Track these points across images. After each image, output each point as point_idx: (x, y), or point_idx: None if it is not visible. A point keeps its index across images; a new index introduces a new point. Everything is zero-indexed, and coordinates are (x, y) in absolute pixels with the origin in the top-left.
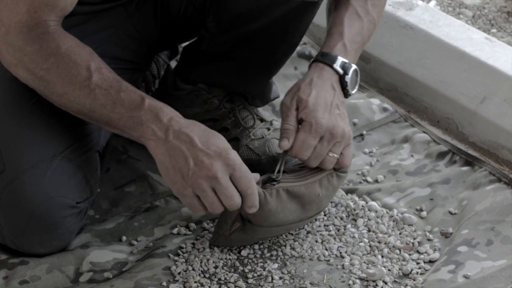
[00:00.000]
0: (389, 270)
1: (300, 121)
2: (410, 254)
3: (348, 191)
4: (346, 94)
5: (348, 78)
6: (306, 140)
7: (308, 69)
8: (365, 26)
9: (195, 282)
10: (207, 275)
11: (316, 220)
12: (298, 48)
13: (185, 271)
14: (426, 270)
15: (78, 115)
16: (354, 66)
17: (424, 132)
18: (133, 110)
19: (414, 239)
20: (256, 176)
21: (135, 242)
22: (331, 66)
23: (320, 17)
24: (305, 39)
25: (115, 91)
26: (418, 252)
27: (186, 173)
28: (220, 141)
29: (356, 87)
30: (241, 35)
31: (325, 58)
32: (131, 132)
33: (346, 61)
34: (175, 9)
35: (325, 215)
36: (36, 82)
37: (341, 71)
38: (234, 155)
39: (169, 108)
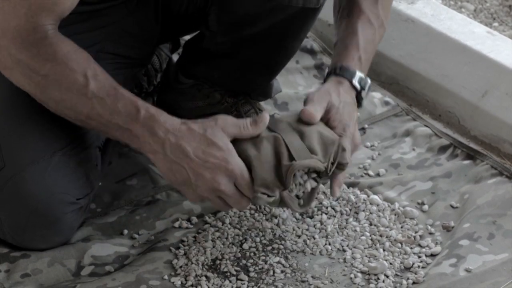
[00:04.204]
0: (390, 263)
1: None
2: (411, 248)
3: (350, 185)
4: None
5: (364, 93)
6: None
7: (326, 77)
8: (376, 33)
9: (197, 275)
10: (208, 269)
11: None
12: None
13: (187, 264)
14: (427, 264)
15: (76, 121)
16: (369, 82)
17: (426, 126)
18: (129, 122)
19: (416, 232)
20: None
21: (136, 236)
22: (351, 82)
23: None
24: None
25: (111, 101)
26: (419, 245)
27: (190, 185)
28: (217, 151)
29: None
30: (241, 36)
31: (345, 73)
32: (129, 144)
33: (363, 76)
34: (176, 7)
35: (326, 208)
36: (32, 86)
37: (358, 87)
38: (234, 163)
39: (166, 117)
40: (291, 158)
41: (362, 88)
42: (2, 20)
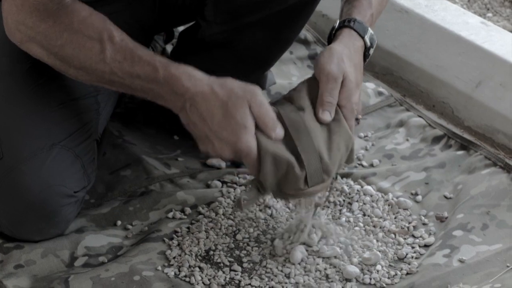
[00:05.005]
0: (384, 254)
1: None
2: (405, 238)
3: (343, 175)
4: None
5: (372, 51)
6: (351, 124)
7: (337, 28)
8: None
9: (190, 266)
10: (202, 259)
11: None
12: None
13: (180, 255)
14: (421, 254)
15: (99, 85)
16: (376, 39)
17: (420, 116)
18: (150, 82)
19: (409, 223)
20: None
21: (130, 227)
22: (363, 38)
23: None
24: None
25: (129, 64)
26: (413, 236)
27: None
28: (233, 124)
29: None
30: (237, 27)
31: (358, 27)
32: (156, 101)
33: (373, 32)
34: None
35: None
36: (52, 58)
37: (369, 43)
38: (244, 142)
39: (189, 75)
40: (305, 180)
41: (371, 45)
42: None
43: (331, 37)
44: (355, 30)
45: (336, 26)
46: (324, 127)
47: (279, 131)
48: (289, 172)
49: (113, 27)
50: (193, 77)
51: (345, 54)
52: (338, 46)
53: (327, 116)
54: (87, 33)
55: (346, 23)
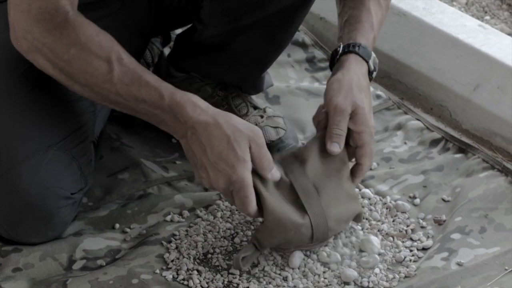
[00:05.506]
0: (382, 257)
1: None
2: (403, 242)
3: None
4: None
5: (374, 74)
6: (372, 148)
7: (341, 53)
8: (383, 14)
9: (188, 269)
10: (200, 262)
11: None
12: None
13: (178, 258)
14: (419, 258)
15: (103, 103)
16: (377, 61)
17: (417, 119)
18: (155, 108)
19: (408, 226)
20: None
21: (128, 230)
22: (367, 62)
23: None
24: None
25: (136, 88)
26: (411, 239)
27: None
28: (232, 158)
29: None
30: (233, 28)
31: (363, 53)
32: (158, 126)
33: (375, 56)
34: (168, 0)
35: None
36: (57, 71)
37: (372, 67)
38: (240, 175)
39: (194, 104)
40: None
41: (374, 69)
42: (24, 2)
43: (334, 61)
44: (360, 56)
45: (340, 51)
46: (332, 186)
47: (275, 173)
48: (295, 233)
49: (121, 49)
50: (198, 107)
51: (354, 83)
52: (346, 75)
53: (336, 148)
54: (95, 51)
55: (351, 48)
